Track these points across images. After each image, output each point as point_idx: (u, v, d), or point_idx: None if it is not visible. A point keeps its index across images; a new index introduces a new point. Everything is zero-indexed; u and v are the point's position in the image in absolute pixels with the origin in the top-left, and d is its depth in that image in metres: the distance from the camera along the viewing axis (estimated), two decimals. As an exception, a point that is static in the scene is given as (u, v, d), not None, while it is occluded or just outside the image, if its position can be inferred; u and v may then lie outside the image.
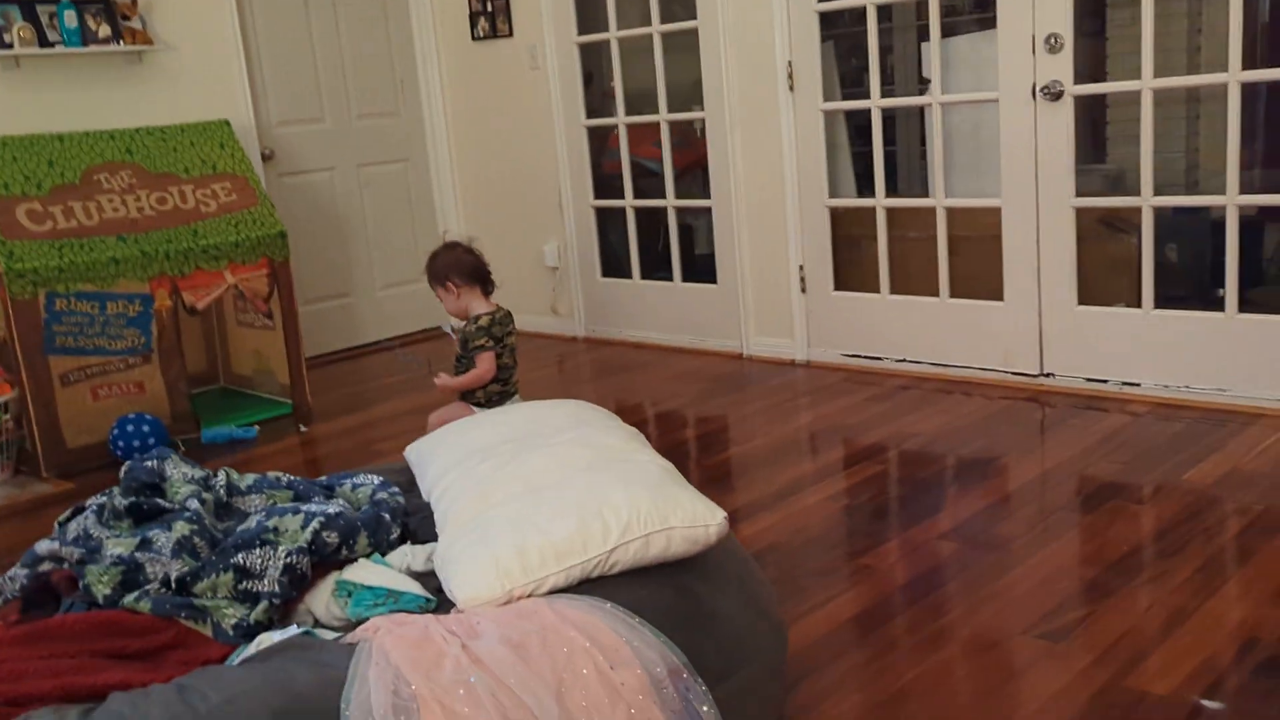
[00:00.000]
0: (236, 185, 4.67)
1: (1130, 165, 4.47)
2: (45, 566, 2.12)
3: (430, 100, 6.20)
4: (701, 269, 5.43)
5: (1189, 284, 4.59)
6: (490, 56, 5.90)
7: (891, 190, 4.80)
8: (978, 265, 4.43)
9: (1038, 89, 4.06)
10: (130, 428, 4.21)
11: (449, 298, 3.60)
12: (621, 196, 5.57)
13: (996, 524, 3.08)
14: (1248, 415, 3.76)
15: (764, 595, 2.11)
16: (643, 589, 1.87)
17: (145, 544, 2.06)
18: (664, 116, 5.29)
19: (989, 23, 4.26)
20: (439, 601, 1.95)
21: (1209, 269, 4.48)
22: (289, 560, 1.99)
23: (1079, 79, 4.04)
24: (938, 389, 4.39)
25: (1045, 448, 3.67)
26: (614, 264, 5.79)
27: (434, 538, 2.14)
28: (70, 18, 4.76)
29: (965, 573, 2.81)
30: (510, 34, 5.75)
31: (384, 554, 2.14)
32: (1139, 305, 4.04)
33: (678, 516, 1.93)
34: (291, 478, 2.45)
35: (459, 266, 3.57)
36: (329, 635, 1.89)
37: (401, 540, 2.23)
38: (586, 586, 1.86)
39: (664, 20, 5.18)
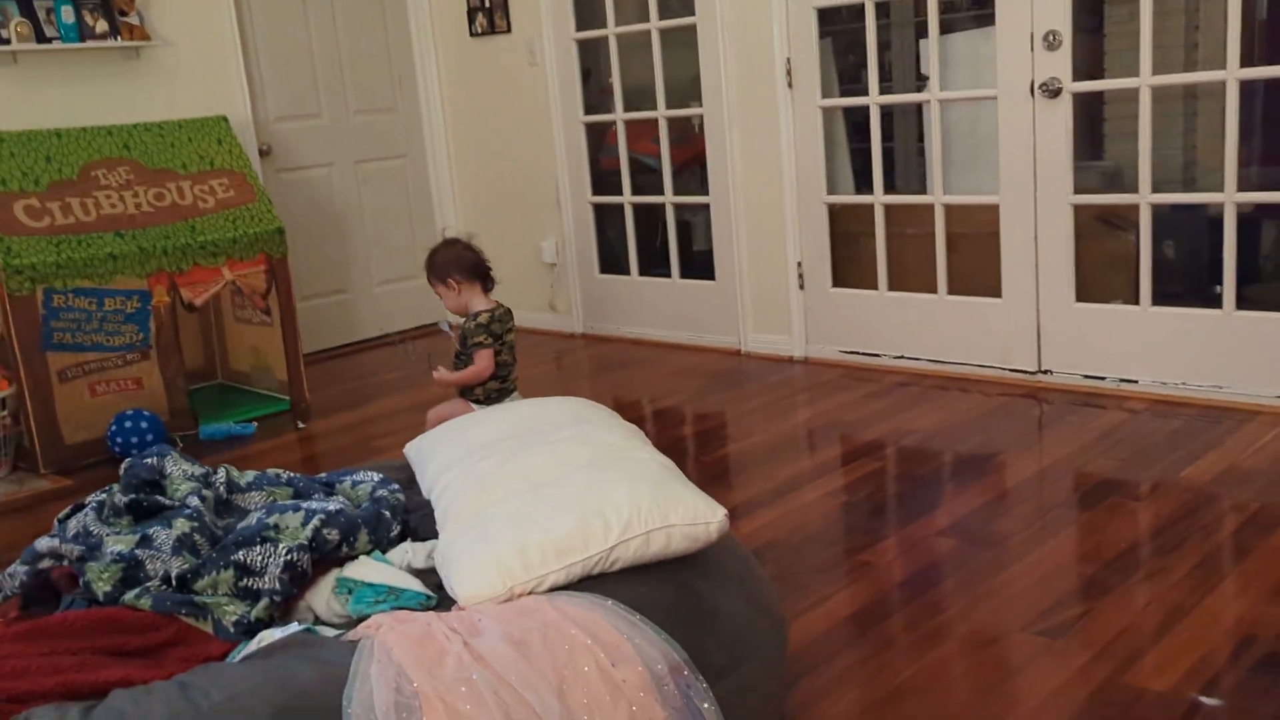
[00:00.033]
0: (234, 181, 4.66)
1: (1127, 162, 4.48)
2: (45, 563, 2.13)
3: (428, 96, 6.19)
4: (699, 265, 5.44)
5: (1186, 281, 4.60)
6: (488, 52, 5.90)
7: (889, 187, 4.80)
8: (975, 262, 4.43)
9: (1036, 86, 4.07)
10: (128, 424, 4.21)
11: (449, 294, 3.59)
12: (619, 193, 5.57)
13: (994, 521, 3.09)
14: (1245, 412, 3.77)
15: (764, 592, 2.12)
16: (643, 586, 1.87)
17: (146, 541, 2.06)
18: (662, 113, 5.29)
19: (987, 19, 4.26)
20: (440, 599, 1.95)
21: (1206, 266, 4.48)
22: (290, 557, 1.99)
23: (1077, 76, 4.04)
24: (936, 386, 4.40)
25: (1043, 444, 3.67)
26: (612, 260, 5.79)
27: (434, 535, 2.14)
28: (67, 13, 4.75)
29: (963, 569, 2.81)
30: (508, 30, 5.75)
31: (384, 551, 2.14)
32: (1136, 302, 4.05)
33: (678, 514, 1.93)
34: (291, 475, 2.45)
35: (459, 263, 3.56)
36: (330, 632, 1.89)
37: (402, 537, 2.23)
38: (587, 584, 1.86)
39: (662, 16, 5.18)
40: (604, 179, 5.71)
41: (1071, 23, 3.97)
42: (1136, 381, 4.06)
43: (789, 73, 4.74)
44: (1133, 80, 3.92)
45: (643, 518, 1.91)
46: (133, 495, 2.22)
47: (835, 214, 4.82)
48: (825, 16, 4.71)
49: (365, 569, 2.01)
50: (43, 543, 2.13)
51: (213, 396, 5.05)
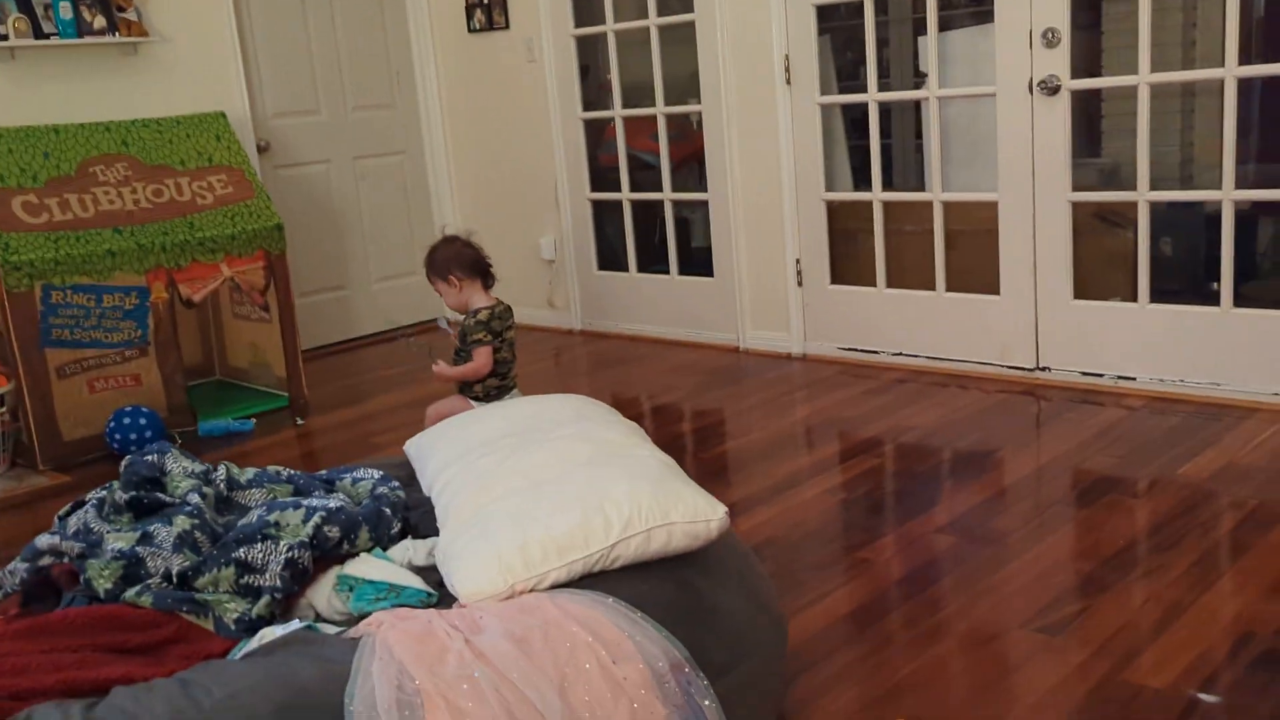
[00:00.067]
0: (233, 178, 4.66)
1: (1125, 159, 4.48)
2: (46, 560, 2.13)
3: (426, 92, 6.19)
4: (698, 262, 5.44)
5: (1184, 278, 4.60)
6: (487, 49, 5.89)
7: (888, 184, 4.80)
8: (974, 259, 4.44)
9: (1035, 83, 4.07)
10: (127, 420, 4.21)
11: (450, 291, 3.59)
12: (618, 189, 5.57)
13: (993, 518, 3.09)
14: (1243, 409, 3.78)
15: (764, 590, 2.12)
16: (644, 584, 1.88)
17: (146, 538, 2.06)
18: (661, 109, 5.29)
19: (986, 16, 4.26)
20: (440, 596, 1.96)
21: (1203, 263, 4.49)
22: (290, 555, 1.99)
23: (1075, 73, 4.04)
24: (934, 383, 4.40)
25: (1041, 441, 3.68)
26: (610, 257, 5.79)
27: (435, 532, 2.15)
28: (65, 9, 4.75)
29: (962, 566, 2.82)
30: (507, 26, 5.74)
31: (385, 548, 2.14)
32: (1135, 299, 4.05)
33: (679, 511, 1.94)
34: (291, 472, 2.45)
35: (460, 260, 3.56)
36: (331, 630, 1.89)
37: (402, 535, 2.24)
38: (588, 581, 1.87)
39: (661, 13, 5.18)
40: (602, 175, 5.70)
41: (1070, 20, 3.98)
42: (1134, 378, 4.07)
43: (787, 69, 4.74)
44: (1132, 78, 3.93)
45: (643, 515, 1.91)
46: (133, 492, 2.23)
47: (834, 211, 4.82)
48: (824, 13, 4.70)
49: (366, 566, 2.02)
50: (43, 540, 2.13)
51: (211, 393, 5.05)
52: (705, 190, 5.19)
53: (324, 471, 2.53)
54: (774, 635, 2.06)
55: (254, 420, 4.62)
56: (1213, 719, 2.12)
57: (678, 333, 5.45)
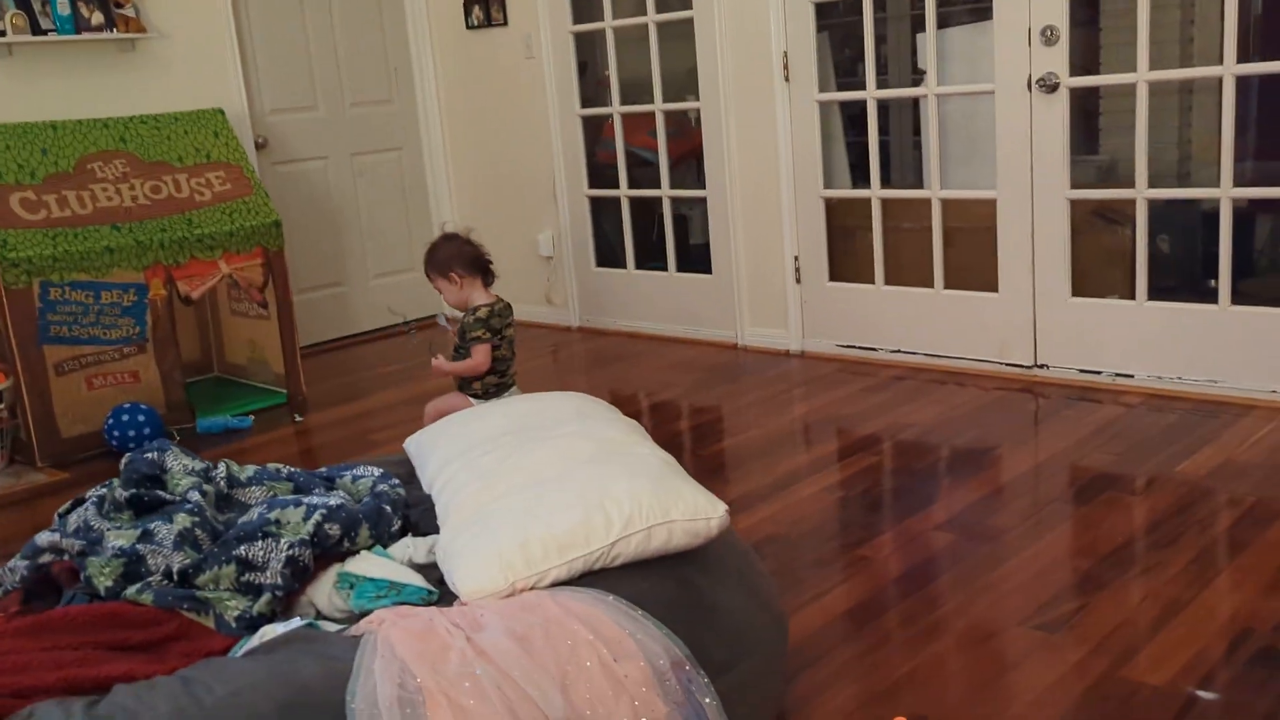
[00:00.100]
0: (231, 174, 4.66)
1: (1122, 156, 4.49)
2: (46, 558, 2.13)
3: (424, 89, 6.18)
4: (696, 259, 5.44)
5: (1182, 276, 4.61)
6: (485, 45, 5.89)
7: (886, 181, 4.80)
8: (972, 256, 4.44)
9: (1033, 81, 4.07)
10: (125, 417, 4.21)
11: (451, 289, 3.59)
12: (616, 186, 5.57)
13: (991, 515, 3.10)
14: (1240, 407, 3.79)
15: (764, 587, 2.13)
16: (644, 581, 1.88)
17: (147, 536, 2.07)
18: (659, 106, 5.28)
19: (984, 14, 4.26)
20: (441, 594, 1.96)
21: (1201, 261, 4.50)
22: (291, 552, 1.99)
23: (1074, 71, 4.04)
24: (932, 380, 4.41)
25: (1039, 439, 3.69)
26: (608, 254, 5.79)
27: (435, 530, 2.15)
28: (63, 5, 4.74)
29: (961, 564, 2.83)
30: (505, 22, 5.74)
31: (385, 546, 2.15)
32: (1132, 297, 4.06)
33: (679, 509, 1.94)
34: (292, 469, 2.45)
35: (462, 257, 3.56)
36: (332, 627, 1.90)
37: (403, 532, 2.24)
38: (588, 579, 1.87)
39: (659, 10, 5.17)
40: (600, 172, 5.70)
41: (1068, 17, 3.98)
42: (1132, 376, 4.07)
43: (786, 66, 4.74)
44: (1130, 75, 3.93)
45: (644, 513, 1.91)
46: (133, 490, 2.23)
47: (832, 208, 4.82)
48: (822, 10, 4.70)
49: (367, 564, 2.02)
50: (43, 537, 2.13)
51: (209, 390, 5.05)
52: (703, 187, 5.19)
53: (324, 469, 2.53)
54: (774, 633, 2.07)
55: (252, 417, 4.62)
56: (1211, 716, 2.13)
57: (676, 330, 5.45)
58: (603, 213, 5.78)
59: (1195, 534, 2.88)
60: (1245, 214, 4.36)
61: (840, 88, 5.07)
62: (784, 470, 3.58)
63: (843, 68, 5.34)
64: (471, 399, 3.59)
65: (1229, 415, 3.72)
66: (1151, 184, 3.97)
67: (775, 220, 4.93)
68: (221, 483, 2.32)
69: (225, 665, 1.68)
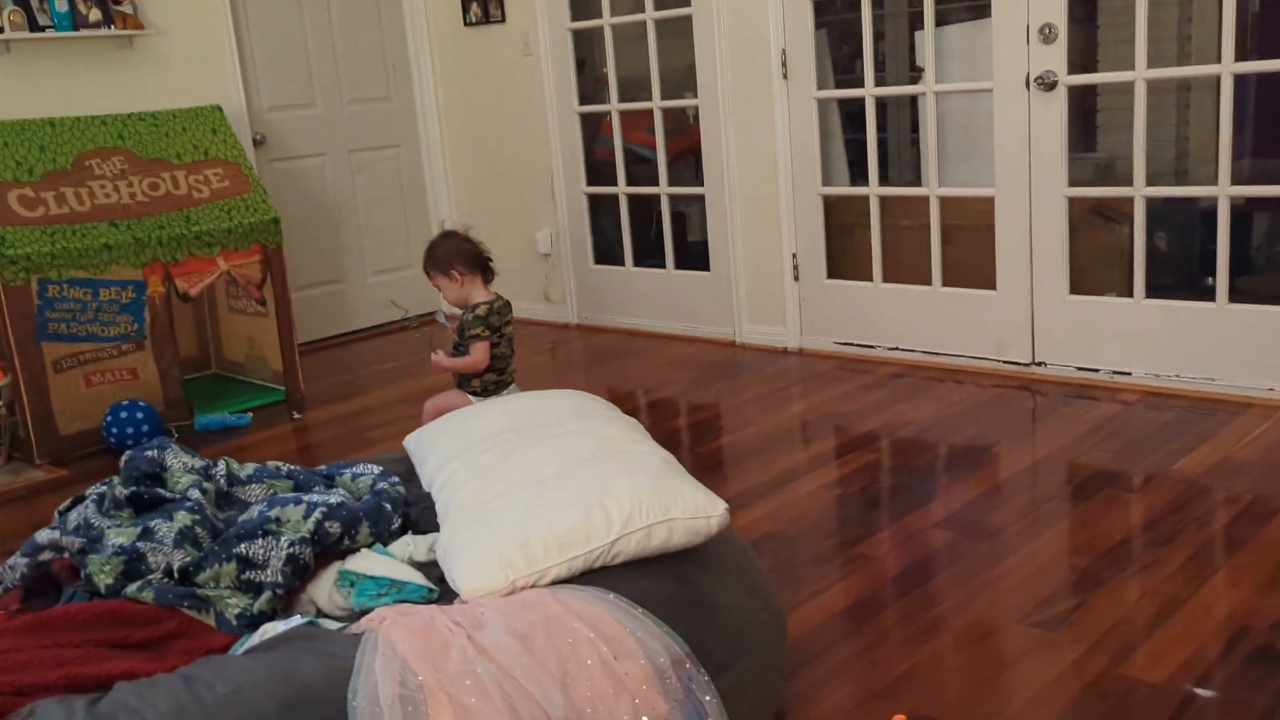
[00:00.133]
0: (229, 171, 4.66)
1: (1120, 154, 4.50)
2: (46, 556, 2.13)
3: (422, 86, 6.18)
4: (694, 256, 5.44)
5: (1179, 274, 4.62)
6: (483, 42, 5.89)
7: (884, 179, 4.81)
8: (970, 254, 4.45)
9: (1031, 79, 4.07)
10: (124, 414, 4.21)
11: (451, 286, 3.59)
12: (614, 183, 5.57)
13: (989, 513, 3.11)
14: (1237, 404, 3.79)
15: (763, 586, 2.13)
16: (645, 580, 1.88)
17: (147, 534, 2.07)
18: (657, 103, 5.28)
19: (983, 11, 4.27)
20: (441, 591, 1.96)
21: (1199, 259, 4.51)
22: (292, 550, 2.00)
23: (1071, 69, 4.05)
24: (930, 377, 4.41)
25: (1037, 436, 3.69)
26: (606, 251, 5.79)
27: (435, 528, 2.15)
28: (61, 1, 4.73)
29: (959, 562, 2.83)
30: (503, 20, 5.73)
31: (385, 544, 2.15)
32: (1130, 295, 4.07)
33: (679, 508, 1.95)
34: (291, 467, 2.45)
35: (462, 255, 3.56)
36: (332, 625, 1.90)
37: (403, 530, 2.24)
38: (588, 577, 1.88)
39: (658, 7, 5.17)
40: (599, 169, 5.70)
41: (1066, 15, 3.98)
42: (1130, 374, 4.08)
43: (784, 64, 4.74)
44: (1128, 74, 3.93)
45: (644, 511, 1.92)
46: (134, 488, 2.23)
47: (830, 205, 4.82)
48: (820, 8, 4.71)
49: (367, 562, 2.02)
50: (43, 535, 2.14)
51: (207, 387, 5.05)
52: (702, 185, 5.19)
53: (323, 466, 2.53)
54: (773, 631, 2.07)
55: (250, 414, 4.62)
56: (1208, 713, 2.13)
57: (674, 327, 5.45)
58: (601, 210, 5.78)
59: (1193, 532, 2.89)
60: (1243, 212, 4.37)
61: (839, 85, 5.08)
62: (782, 468, 3.59)
63: (841, 65, 5.34)
64: (470, 397, 3.59)
65: (1226, 413, 3.73)
66: (1149, 182, 3.97)
67: (773, 218, 4.93)
68: (221, 480, 2.32)
69: (226, 663, 1.68)
